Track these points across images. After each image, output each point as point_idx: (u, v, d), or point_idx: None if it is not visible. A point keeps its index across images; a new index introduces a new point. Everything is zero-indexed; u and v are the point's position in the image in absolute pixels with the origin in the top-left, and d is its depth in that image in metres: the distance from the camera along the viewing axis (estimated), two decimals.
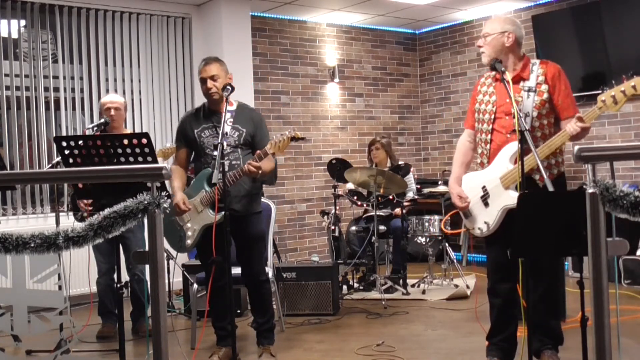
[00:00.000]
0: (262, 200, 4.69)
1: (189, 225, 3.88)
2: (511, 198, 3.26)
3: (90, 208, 4.37)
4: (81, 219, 4.43)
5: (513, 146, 3.32)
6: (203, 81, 3.85)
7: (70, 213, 4.62)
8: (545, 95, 3.34)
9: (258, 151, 3.72)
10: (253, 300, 4.08)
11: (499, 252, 3.43)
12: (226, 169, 3.71)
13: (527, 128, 3.12)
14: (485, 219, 3.42)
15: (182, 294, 5.55)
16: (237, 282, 4.27)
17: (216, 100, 3.86)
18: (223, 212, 3.67)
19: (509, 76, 3.31)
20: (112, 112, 4.58)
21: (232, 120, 3.86)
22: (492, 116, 3.43)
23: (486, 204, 3.42)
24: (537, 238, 2.78)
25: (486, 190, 3.42)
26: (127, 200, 2.22)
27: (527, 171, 3.21)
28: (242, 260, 4.01)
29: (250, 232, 3.94)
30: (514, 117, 3.32)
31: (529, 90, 3.35)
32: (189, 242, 3.89)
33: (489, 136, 3.45)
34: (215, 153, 3.75)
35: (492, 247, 3.51)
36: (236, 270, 4.16)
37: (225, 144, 3.76)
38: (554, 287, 3.53)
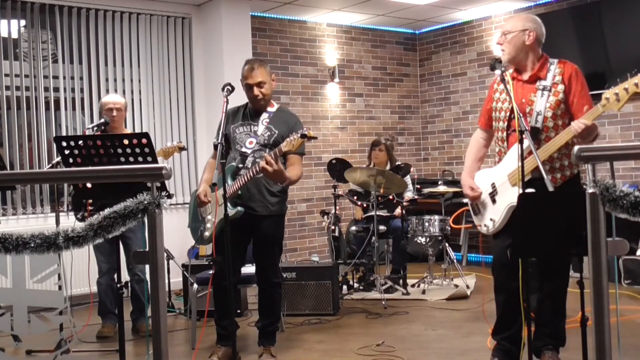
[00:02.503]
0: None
1: (209, 217, 3.92)
2: (516, 196, 3.26)
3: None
4: (82, 219, 4.43)
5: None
6: (249, 87, 3.89)
7: (71, 213, 4.62)
8: (561, 96, 3.31)
9: (275, 150, 3.72)
10: (262, 301, 4.08)
11: (505, 250, 3.42)
12: (249, 165, 3.81)
13: (527, 128, 3.11)
14: (491, 216, 3.42)
15: (182, 294, 5.55)
16: (243, 281, 4.28)
17: (262, 105, 3.94)
18: (237, 209, 3.74)
19: (508, 76, 3.31)
20: (115, 112, 4.58)
21: (267, 120, 3.93)
22: (508, 114, 3.41)
23: (494, 201, 3.43)
24: (537, 238, 2.78)
25: (495, 187, 3.43)
26: (127, 200, 2.22)
27: (533, 170, 3.19)
28: (257, 261, 4.02)
29: (268, 234, 3.94)
30: (512, 118, 3.32)
31: (543, 89, 3.33)
32: (207, 234, 3.92)
33: (504, 134, 3.44)
34: (244, 149, 3.88)
35: (498, 245, 3.50)
36: (245, 270, 4.17)
37: (255, 141, 3.89)
38: (561, 288, 3.52)
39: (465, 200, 5.14)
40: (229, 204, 3.81)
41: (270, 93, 3.96)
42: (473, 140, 3.72)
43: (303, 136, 3.56)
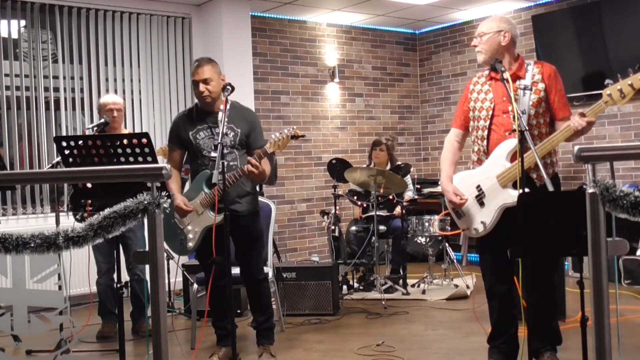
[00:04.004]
0: (262, 200, 4.68)
1: (189, 227, 3.86)
2: (510, 197, 3.25)
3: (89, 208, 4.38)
4: (81, 219, 4.43)
5: (509, 144, 3.31)
6: (195, 84, 3.81)
7: (70, 213, 4.62)
8: (542, 94, 3.34)
9: (258, 150, 3.70)
10: (252, 299, 4.08)
11: (495, 254, 3.42)
12: (221, 168, 3.70)
13: (526, 128, 3.11)
14: (481, 219, 3.39)
15: (182, 294, 5.55)
16: (237, 282, 4.28)
17: (209, 103, 3.83)
18: (224, 213, 3.67)
19: (508, 75, 3.30)
20: (115, 113, 4.58)
21: (226, 120, 3.76)
22: (490, 113, 3.42)
23: (482, 204, 3.39)
24: (537, 238, 2.78)
25: (481, 189, 3.40)
26: (127, 200, 2.22)
27: (528, 169, 3.19)
28: (241, 260, 4.01)
29: (250, 231, 3.94)
30: (513, 118, 3.32)
31: (524, 88, 3.34)
32: (190, 244, 3.87)
33: (485, 132, 3.44)
34: (213, 154, 3.74)
35: (487, 248, 3.49)
36: (236, 270, 4.17)
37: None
38: (552, 288, 3.53)
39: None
40: (211, 211, 3.80)
41: (218, 91, 3.82)
42: (448, 143, 3.67)
43: (294, 137, 3.55)
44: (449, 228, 5.97)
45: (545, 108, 3.36)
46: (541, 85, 3.35)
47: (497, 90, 3.41)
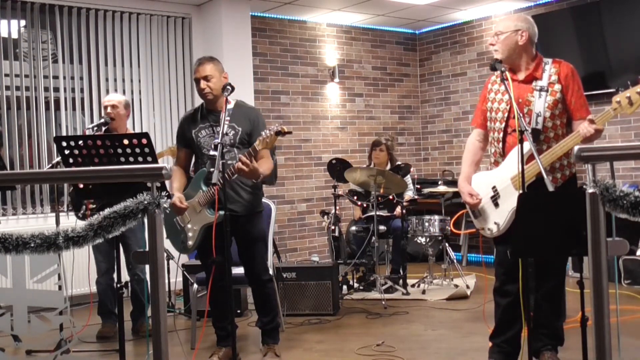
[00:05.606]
0: (262, 200, 4.68)
1: (189, 226, 3.87)
2: None
3: (92, 206, 4.39)
4: (83, 217, 4.43)
5: (523, 147, 3.29)
6: (197, 81, 3.85)
7: (71, 213, 4.62)
8: (558, 95, 3.30)
9: (249, 149, 3.70)
10: (257, 300, 4.09)
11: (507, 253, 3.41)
12: (221, 168, 3.69)
13: (527, 128, 3.10)
14: (495, 220, 3.39)
15: (182, 294, 5.55)
16: (237, 282, 4.28)
17: (211, 101, 3.86)
18: (220, 213, 3.66)
19: (509, 76, 3.29)
20: (109, 109, 4.59)
21: (228, 118, 3.80)
22: (506, 115, 3.40)
23: (496, 205, 3.40)
24: (537, 238, 2.78)
25: (496, 190, 3.40)
26: (127, 200, 2.22)
27: (538, 173, 3.18)
28: (244, 260, 4.01)
29: (251, 232, 3.93)
30: (513, 117, 3.31)
31: (540, 90, 3.31)
32: (190, 242, 3.88)
33: (501, 134, 3.42)
34: (211, 153, 3.76)
35: (500, 247, 3.49)
36: (237, 271, 4.16)
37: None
38: (558, 288, 3.52)
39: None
40: (207, 210, 3.80)
41: (220, 88, 3.82)
42: (469, 143, 3.68)
43: (278, 133, 3.53)
44: (449, 229, 5.97)
45: (562, 109, 3.32)
46: (557, 87, 3.31)
47: (513, 91, 3.37)
